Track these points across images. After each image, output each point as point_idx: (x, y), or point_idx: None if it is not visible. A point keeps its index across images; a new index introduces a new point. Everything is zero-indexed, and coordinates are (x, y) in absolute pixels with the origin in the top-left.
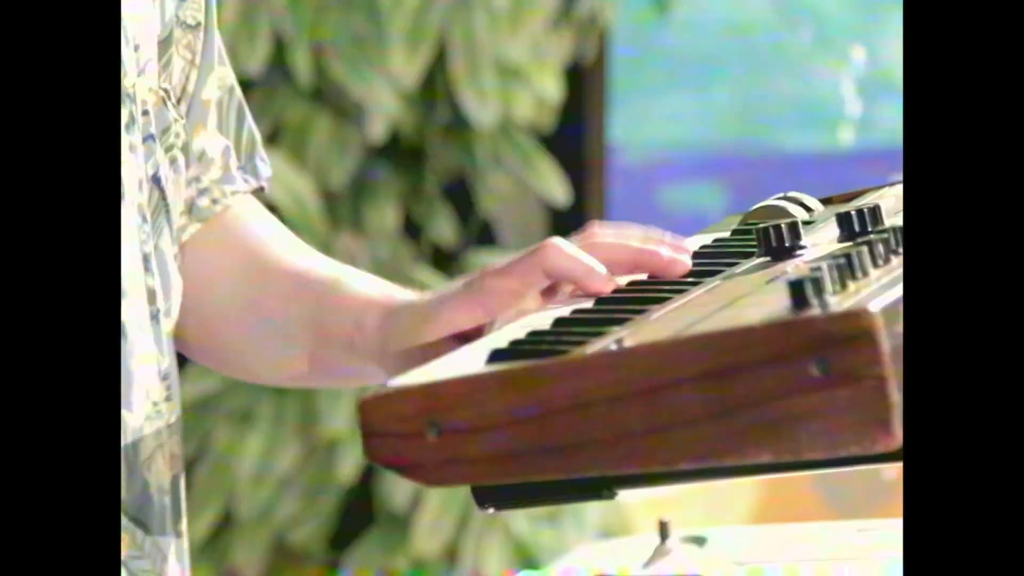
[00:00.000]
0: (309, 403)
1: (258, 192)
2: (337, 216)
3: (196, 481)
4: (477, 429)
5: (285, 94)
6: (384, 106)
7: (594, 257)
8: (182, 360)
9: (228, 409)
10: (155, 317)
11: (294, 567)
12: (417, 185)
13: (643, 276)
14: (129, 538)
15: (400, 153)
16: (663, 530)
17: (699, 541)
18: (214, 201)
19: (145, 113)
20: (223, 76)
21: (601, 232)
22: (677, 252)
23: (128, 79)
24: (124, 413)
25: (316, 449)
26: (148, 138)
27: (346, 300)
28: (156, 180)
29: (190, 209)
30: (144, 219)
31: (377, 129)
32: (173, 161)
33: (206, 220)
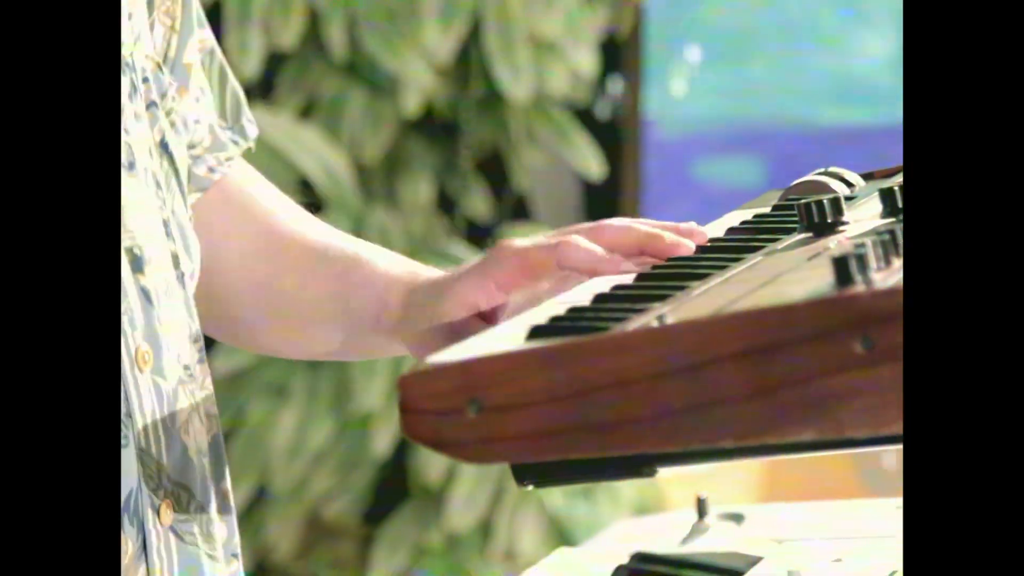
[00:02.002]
0: (343, 378)
1: (247, 153)
2: (371, 190)
3: (230, 456)
4: (517, 406)
5: (319, 68)
6: (418, 80)
7: (603, 242)
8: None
9: (262, 384)
10: (180, 280)
11: (328, 542)
12: (451, 159)
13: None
14: (174, 502)
15: (434, 127)
16: (701, 507)
17: (737, 518)
18: (211, 170)
19: (145, 80)
20: (203, 39)
21: (610, 221)
22: (684, 236)
23: (126, 48)
24: (158, 380)
25: (350, 424)
26: (151, 105)
27: (370, 278)
28: (164, 146)
29: (188, 178)
30: (159, 185)
31: (411, 103)
32: (173, 125)
33: (206, 189)
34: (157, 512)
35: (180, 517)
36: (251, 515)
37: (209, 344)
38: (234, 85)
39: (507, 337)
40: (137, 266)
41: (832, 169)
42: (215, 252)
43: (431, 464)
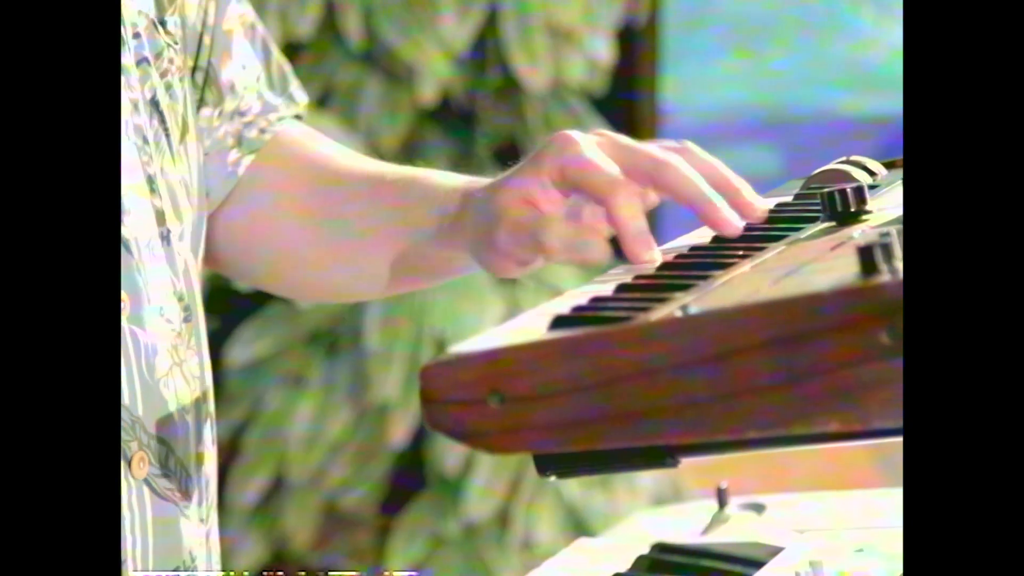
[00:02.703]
0: (360, 367)
1: (298, 118)
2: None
3: (247, 446)
4: (540, 397)
5: (336, 57)
6: (435, 69)
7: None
8: (229, 325)
9: (279, 373)
10: (166, 238)
11: (344, 532)
12: (468, 148)
13: (705, 241)
14: (152, 456)
15: (451, 116)
16: (721, 497)
17: (758, 508)
18: (262, 131)
19: (136, 36)
20: (243, 14)
21: (693, 146)
22: (744, 208)
23: None
24: (135, 328)
25: (367, 413)
26: (142, 61)
27: (428, 191)
28: (155, 104)
29: (239, 142)
30: (145, 140)
31: (428, 92)
32: (168, 87)
33: (257, 150)
34: (129, 463)
35: (156, 472)
36: (268, 505)
37: (225, 335)
38: (279, 58)
39: (530, 328)
40: None
41: (854, 158)
42: (274, 200)
43: (448, 454)
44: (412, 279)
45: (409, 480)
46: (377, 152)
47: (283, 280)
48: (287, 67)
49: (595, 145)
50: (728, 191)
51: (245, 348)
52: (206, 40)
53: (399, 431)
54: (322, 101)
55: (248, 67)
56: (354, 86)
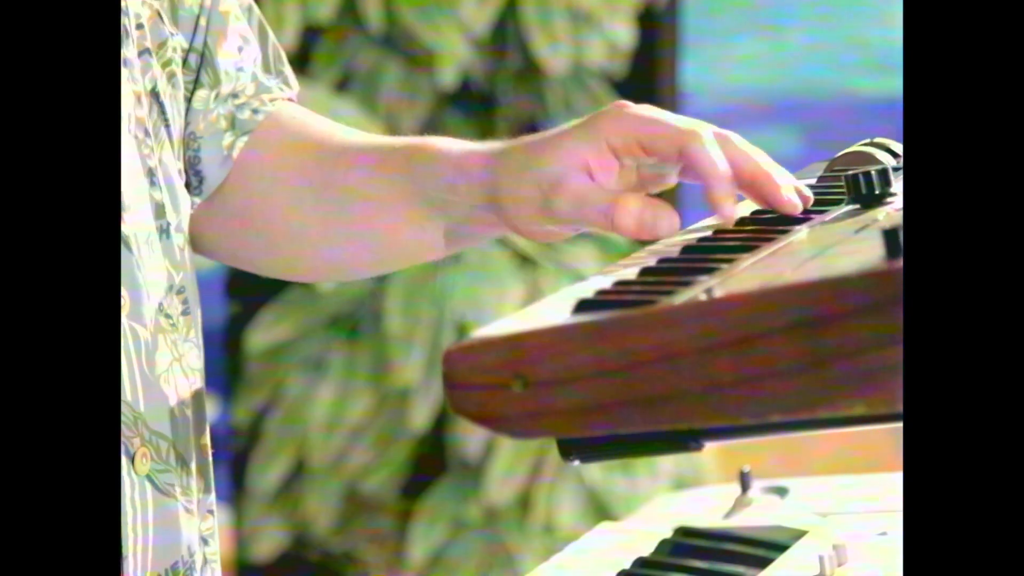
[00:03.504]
0: (381, 351)
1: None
2: None
3: (268, 430)
4: (563, 381)
5: (356, 40)
6: (455, 52)
7: (727, 156)
8: (250, 310)
9: (300, 358)
10: (164, 231)
11: (366, 516)
12: (488, 132)
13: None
14: (153, 451)
15: (471, 100)
16: (744, 481)
17: (781, 492)
18: (255, 112)
19: (140, 27)
20: None
21: (735, 139)
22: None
23: None
24: (135, 325)
25: (388, 397)
26: (144, 52)
27: (441, 152)
28: (155, 95)
29: (232, 124)
30: (147, 133)
31: (448, 75)
32: (171, 76)
33: (251, 132)
34: (132, 459)
35: (158, 467)
36: (289, 489)
37: (246, 319)
38: (274, 41)
39: (553, 311)
40: None
41: (877, 140)
42: (271, 175)
43: (469, 438)
44: (417, 252)
45: (430, 464)
46: (397, 135)
47: (283, 258)
48: (282, 51)
49: (651, 108)
50: (767, 187)
51: (266, 333)
52: (202, 22)
53: (420, 415)
54: (342, 85)
55: (244, 49)
56: (374, 70)
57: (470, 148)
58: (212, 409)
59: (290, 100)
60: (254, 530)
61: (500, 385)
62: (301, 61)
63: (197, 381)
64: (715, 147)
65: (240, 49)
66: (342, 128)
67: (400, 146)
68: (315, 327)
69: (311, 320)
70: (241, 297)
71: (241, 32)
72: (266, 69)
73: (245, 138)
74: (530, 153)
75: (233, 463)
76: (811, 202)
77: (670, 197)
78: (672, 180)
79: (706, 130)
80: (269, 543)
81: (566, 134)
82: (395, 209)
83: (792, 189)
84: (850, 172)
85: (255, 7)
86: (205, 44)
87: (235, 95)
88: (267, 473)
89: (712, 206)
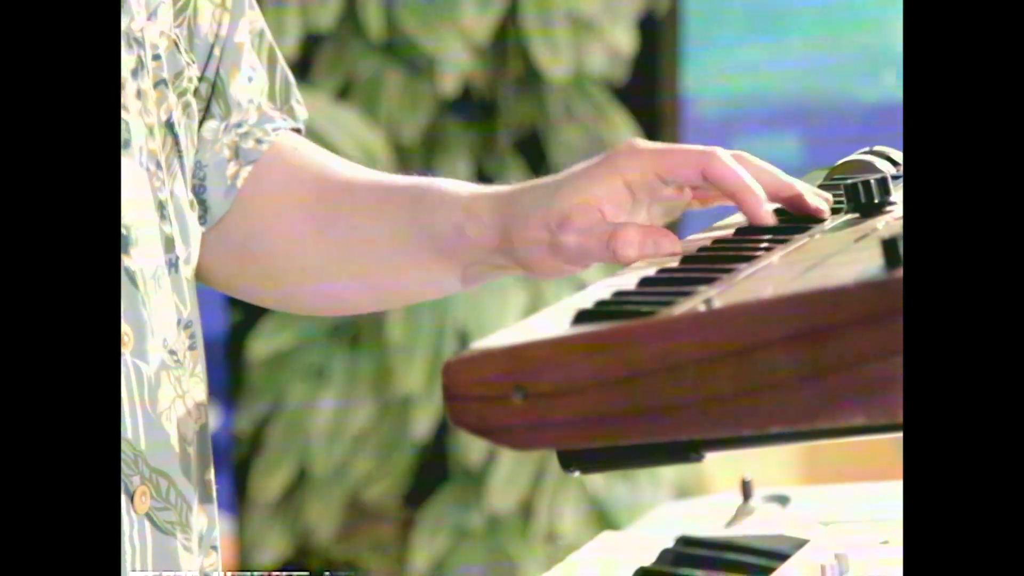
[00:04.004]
0: (383, 360)
1: (296, 132)
2: (409, 170)
3: (270, 439)
4: (563, 392)
5: (357, 48)
6: (456, 60)
7: (748, 170)
8: (252, 318)
9: (302, 367)
10: (173, 265)
11: (368, 525)
12: (489, 139)
13: (728, 233)
14: (152, 489)
15: (472, 107)
16: (746, 489)
17: (782, 500)
18: (258, 141)
19: (156, 58)
20: (253, 20)
21: (750, 156)
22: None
23: (136, 23)
24: (138, 362)
25: (390, 406)
26: (160, 83)
27: (443, 197)
28: (169, 126)
29: (236, 154)
30: (159, 165)
31: (449, 83)
32: (187, 107)
33: (255, 161)
34: (131, 498)
35: (157, 505)
36: (291, 498)
37: (247, 328)
38: (284, 67)
39: (553, 323)
40: (123, 247)
41: (877, 148)
42: (274, 208)
43: (471, 447)
44: (423, 292)
45: (432, 473)
46: (398, 143)
47: (282, 291)
48: (291, 78)
49: (660, 143)
50: (792, 195)
51: (268, 341)
52: (216, 51)
53: (422, 424)
54: (343, 93)
55: (253, 79)
56: (375, 78)
57: (477, 191)
58: (214, 418)
59: (297, 130)
60: (256, 539)
61: (500, 397)
62: (302, 69)
63: (202, 416)
64: (735, 163)
65: (250, 80)
66: (344, 162)
67: (405, 186)
68: (317, 336)
69: (313, 329)
70: (243, 305)
71: (251, 63)
72: (271, 98)
73: (249, 168)
74: (540, 195)
75: (235, 472)
76: (831, 202)
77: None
78: (676, 214)
79: (722, 150)
80: (271, 551)
81: (579, 175)
82: (400, 252)
83: (813, 194)
84: (849, 181)
85: (267, 32)
86: (217, 74)
87: (239, 124)
88: (269, 482)
89: (749, 216)
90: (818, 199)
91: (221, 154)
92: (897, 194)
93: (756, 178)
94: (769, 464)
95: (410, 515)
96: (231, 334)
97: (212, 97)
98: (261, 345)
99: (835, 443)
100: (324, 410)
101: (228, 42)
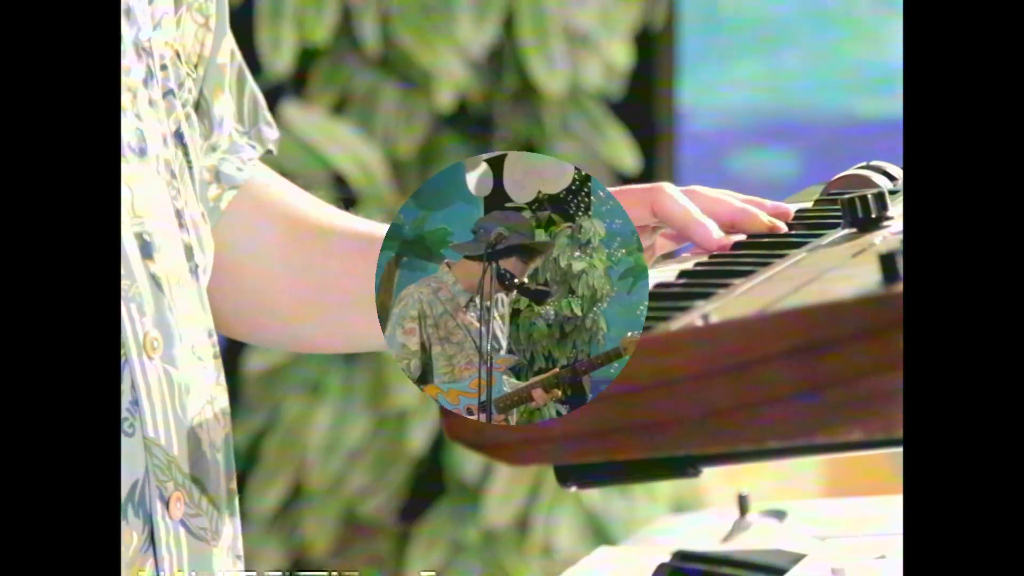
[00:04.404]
0: (379, 374)
1: (267, 155)
2: (405, 185)
3: (266, 452)
4: None
5: (353, 63)
6: (452, 74)
7: (697, 205)
8: None
9: (298, 380)
10: (194, 272)
11: (364, 539)
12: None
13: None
14: (187, 496)
15: (468, 121)
16: (742, 504)
17: (779, 515)
18: (239, 168)
19: (164, 68)
20: (229, 41)
21: (701, 188)
22: (777, 215)
23: (143, 33)
24: (169, 368)
25: (386, 420)
26: (168, 93)
27: None
28: (179, 136)
29: (217, 177)
30: (173, 175)
31: (445, 97)
32: (188, 117)
33: (238, 186)
34: (167, 504)
35: (191, 511)
36: (287, 511)
37: (243, 342)
38: (253, 87)
39: None
40: (146, 252)
41: (874, 163)
42: (245, 246)
43: (468, 461)
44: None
45: (428, 487)
46: (395, 158)
47: (249, 327)
48: (260, 98)
49: (620, 189)
50: (745, 218)
51: (263, 355)
52: (200, 71)
53: (418, 438)
54: (339, 107)
55: (226, 102)
56: (371, 92)
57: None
58: None
59: (269, 152)
60: (252, 553)
61: None
62: (298, 83)
63: (227, 424)
64: (683, 196)
65: (224, 102)
66: (317, 202)
67: (381, 237)
68: None
69: None
70: None
71: (228, 85)
72: (239, 120)
73: (232, 192)
74: None
75: None
76: (791, 216)
77: None
78: (657, 252)
79: (669, 186)
80: (267, 565)
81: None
82: (367, 301)
83: (768, 215)
84: (846, 195)
85: (237, 52)
86: (201, 95)
87: (214, 148)
88: (265, 496)
89: (702, 247)
90: (775, 220)
91: (202, 175)
92: (894, 209)
93: (709, 209)
94: (766, 477)
95: (406, 529)
96: (227, 347)
97: (198, 116)
98: (256, 359)
99: (832, 459)
100: (320, 424)
101: (211, 63)
